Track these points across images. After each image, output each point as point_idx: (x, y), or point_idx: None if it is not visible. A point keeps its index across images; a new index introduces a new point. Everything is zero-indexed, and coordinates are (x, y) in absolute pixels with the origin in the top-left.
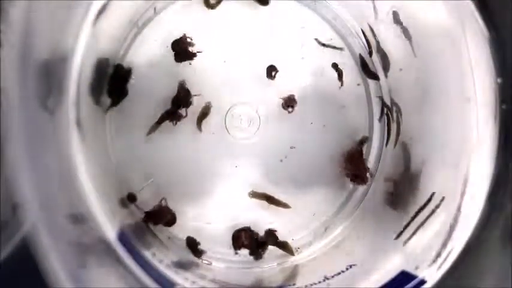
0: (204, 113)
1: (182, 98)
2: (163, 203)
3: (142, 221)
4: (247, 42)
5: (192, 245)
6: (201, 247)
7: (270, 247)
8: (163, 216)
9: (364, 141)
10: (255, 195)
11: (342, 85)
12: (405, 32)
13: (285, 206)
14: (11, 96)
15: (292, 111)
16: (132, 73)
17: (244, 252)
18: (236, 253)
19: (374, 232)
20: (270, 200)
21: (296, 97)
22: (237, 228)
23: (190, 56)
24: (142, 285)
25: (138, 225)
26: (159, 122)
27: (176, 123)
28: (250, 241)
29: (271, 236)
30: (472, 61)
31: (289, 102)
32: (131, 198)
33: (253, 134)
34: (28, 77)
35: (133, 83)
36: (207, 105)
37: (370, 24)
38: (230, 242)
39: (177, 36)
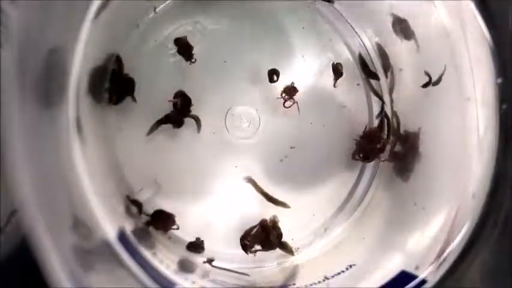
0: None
1: (182, 107)
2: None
3: (144, 224)
4: (248, 42)
5: (196, 247)
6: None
7: None
8: (164, 222)
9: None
10: (251, 181)
11: (334, 86)
12: (405, 32)
13: (284, 205)
14: (11, 96)
15: (292, 104)
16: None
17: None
18: (250, 254)
19: (374, 232)
20: (270, 199)
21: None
22: (237, 230)
23: (188, 56)
24: (142, 285)
25: (138, 225)
26: (159, 122)
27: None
28: (259, 238)
29: (267, 227)
30: (472, 61)
31: (289, 93)
32: (134, 203)
33: (253, 134)
34: (28, 77)
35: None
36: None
37: (370, 24)
38: (230, 241)
39: (177, 36)
